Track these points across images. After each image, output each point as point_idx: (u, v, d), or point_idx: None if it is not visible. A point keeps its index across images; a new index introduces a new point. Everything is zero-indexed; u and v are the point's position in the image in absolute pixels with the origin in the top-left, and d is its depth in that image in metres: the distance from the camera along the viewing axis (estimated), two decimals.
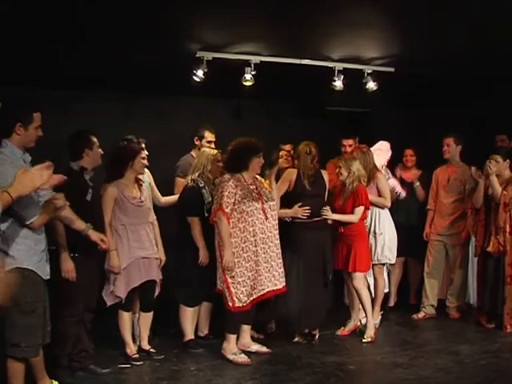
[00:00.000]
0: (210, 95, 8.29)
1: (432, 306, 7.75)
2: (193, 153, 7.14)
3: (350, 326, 6.94)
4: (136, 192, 5.97)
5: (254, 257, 5.94)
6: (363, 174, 6.72)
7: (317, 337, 6.62)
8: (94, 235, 4.99)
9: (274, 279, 6.03)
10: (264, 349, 6.27)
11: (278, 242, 6.14)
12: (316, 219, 6.49)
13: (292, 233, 6.50)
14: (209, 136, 7.10)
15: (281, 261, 6.13)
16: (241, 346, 6.18)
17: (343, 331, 6.90)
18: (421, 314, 7.72)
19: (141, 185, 6.07)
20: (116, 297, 5.80)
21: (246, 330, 6.27)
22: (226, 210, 5.85)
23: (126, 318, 5.96)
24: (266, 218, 6.04)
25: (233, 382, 5.37)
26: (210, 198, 6.32)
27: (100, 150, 5.63)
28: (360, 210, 6.62)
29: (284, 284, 6.12)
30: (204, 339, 6.57)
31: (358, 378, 5.53)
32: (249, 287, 5.92)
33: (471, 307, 7.84)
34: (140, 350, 6.13)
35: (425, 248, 7.85)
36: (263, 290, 5.97)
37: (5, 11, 5.14)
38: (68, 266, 5.24)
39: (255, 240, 5.95)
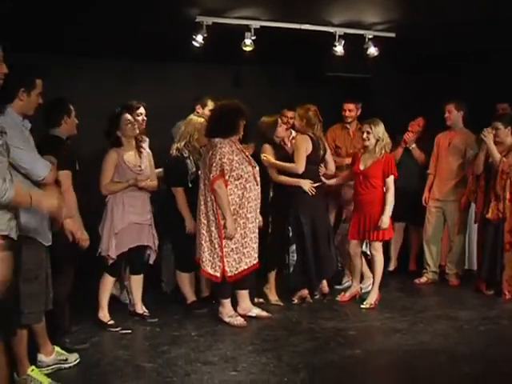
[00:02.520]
0: (210, 61, 8.22)
1: (434, 272, 7.79)
2: None
3: (351, 291, 6.97)
4: (136, 159, 5.99)
5: (248, 223, 5.94)
6: (389, 142, 6.71)
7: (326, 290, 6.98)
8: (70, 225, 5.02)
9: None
10: (264, 313, 6.29)
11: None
12: (318, 184, 6.64)
13: (298, 197, 6.56)
14: (211, 105, 7.05)
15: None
16: (241, 310, 6.22)
17: (343, 297, 6.93)
18: (423, 279, 7.76)
19: (141, 152, 6.06)
20: (107, 258, 5.87)
21: (245, 294, 6.26)
22: (225, 177, 5.82)
23: (108, 281, 5.99)
24: (257, 184, 6.04)
25: (233, 347, 5.39)
26: (194, 169, 6.31)
27: (76, 119, 5.51)
28: (391, 179, 6.63)
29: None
30: (206, 300, 6.66)
31: (358, 343, 5.54)
32: (241, 254, 5.91)
33: (471, 273, 7.87)
34: (134, 314, 6.21)
35: (425, 214, 7.86)
36: (255, 259, 6.00)
37: None
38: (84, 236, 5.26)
39: (250, 206, 5.94)
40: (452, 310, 6.55)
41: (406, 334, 5.74)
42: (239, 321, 6.02)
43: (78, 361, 4.95)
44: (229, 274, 5.88)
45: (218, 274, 5.91)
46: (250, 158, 6.13)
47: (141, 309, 6.24)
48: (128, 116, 5.97)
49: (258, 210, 6.08)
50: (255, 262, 5.99)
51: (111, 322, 5.96)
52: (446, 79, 8.60)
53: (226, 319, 6.04)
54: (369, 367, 5.19)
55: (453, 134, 7.62)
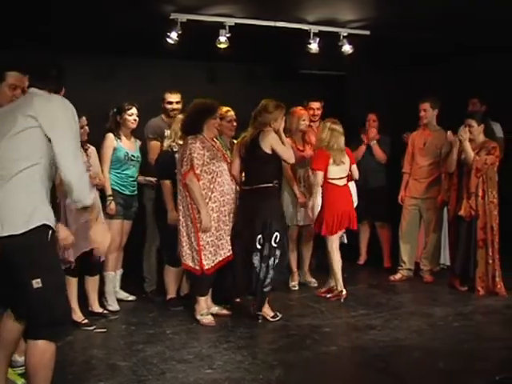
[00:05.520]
0: (185, 58, 8.20)
1: (409, 269, 7.83)
2: (163, 116, 7.12)
3: (328, 286, 7.02)
4: (83, 156, 5.91)
5: (222, 217, 5.97)
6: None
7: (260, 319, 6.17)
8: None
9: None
10: (224, 311, 6.33)
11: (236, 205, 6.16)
12: (246, 188, 6.20)
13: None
14: (168, 97, 7.06)
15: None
16: None
17: (320, 291, 6.98)
18: (398, 276, 7.80)
19: (86, 149, 6.05)
20: (65, 262, 5.73)
21: None
22: (197, 172, 5.85)
23: (72, 283, 5.87)
24: (232, 180, 6.09)
25: (208, 345, 5.39)
26: None
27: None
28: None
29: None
30: (185, 299, 6.68)
31: (333, 340, 5.56)
32: (216, 247, 5.95)
33: (446, 270, 7.94)
34: (93, 313, 6.17)
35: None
36: (229, 251, 6.02)
37: None
38: (64, 235, 5.19)
39: (223, 200, 5.98)
40: (426, 306, 6.61)
41: (380, 331, 5.77)
42: (208, 319, 6.02)
43: None
44: (206, 267, 5.91)
45: (198, 268, 5.94)
46: (226, 155, 6.18)
47: (99, 308, 6.26)
48: (85, 120, 5.91)
49: (233, 205, 6.09)
50: (229, 253, 6.01)
51: (85, 321, 5.92)
52: (420, 77, 8.66)
53: (198, 317, 6.05)
54: (344, 364, 5.23)
55: (428, 133, 7.66)
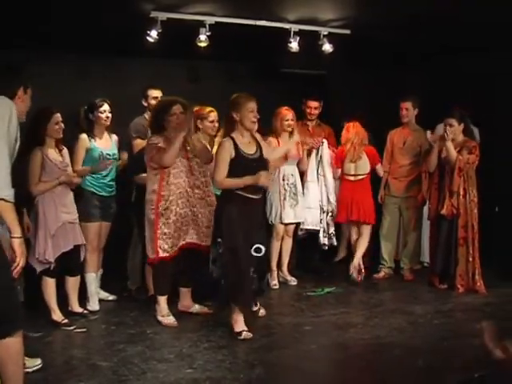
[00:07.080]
0: (166, 56, 8.17)
1: (390, 267, 7.90)
2: (146, 115, 7.07)
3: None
4: (58, 156, 5.95)
5: (178, 209, 5.94)
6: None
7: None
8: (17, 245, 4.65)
9: (200, 234, 6.05)
10: (205, 310, 6.31)
11: (211, 199, 6.09)
12: None
13: None
14: (152, 93, 7.04)
15: (209, 219, 6.00)
16: (182, 307, 6.29)
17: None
18: (381, 274, 7.86)
19: (61, 150, 6.02)
20: (45, 262, 5.73)
21: (186, 291, 6.32)
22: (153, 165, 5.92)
23: (50, 284, 5.87)
24: (192, 174, 6.04)
25: (189, 345, 5.37)
26: None
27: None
28: None
29: (208, 244, 5.93)
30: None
31: (314, 338, 5.57)
32: (175, 239, 5.93)
33: (425, 268, 7.99)
34: (72, 313, 6.12)
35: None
36: (187, 238, 6.00)
37: None
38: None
39: (180, 192, 5.95)
40: (407, 304, 6.64)
41: (361, 329, 5.80)
42: (170, 320, 5.98)
43: (39, 367, 4.75)
44: (160, 255, 5.87)
45: (153, 256, 5.96)
46: (188, 150, 6.05)
47: (79, 308, 6.21)
48: (59, 116, 5.89)
49: (203, 201, 6.07)
50: (186, 241, 5.99)
51: (65, 321, 5.88)
52: (400, 76, 8.68)
53: (159, 318, 6.02)
54: (324, 362, 5.23)
55: (407, 132, 7.69)
